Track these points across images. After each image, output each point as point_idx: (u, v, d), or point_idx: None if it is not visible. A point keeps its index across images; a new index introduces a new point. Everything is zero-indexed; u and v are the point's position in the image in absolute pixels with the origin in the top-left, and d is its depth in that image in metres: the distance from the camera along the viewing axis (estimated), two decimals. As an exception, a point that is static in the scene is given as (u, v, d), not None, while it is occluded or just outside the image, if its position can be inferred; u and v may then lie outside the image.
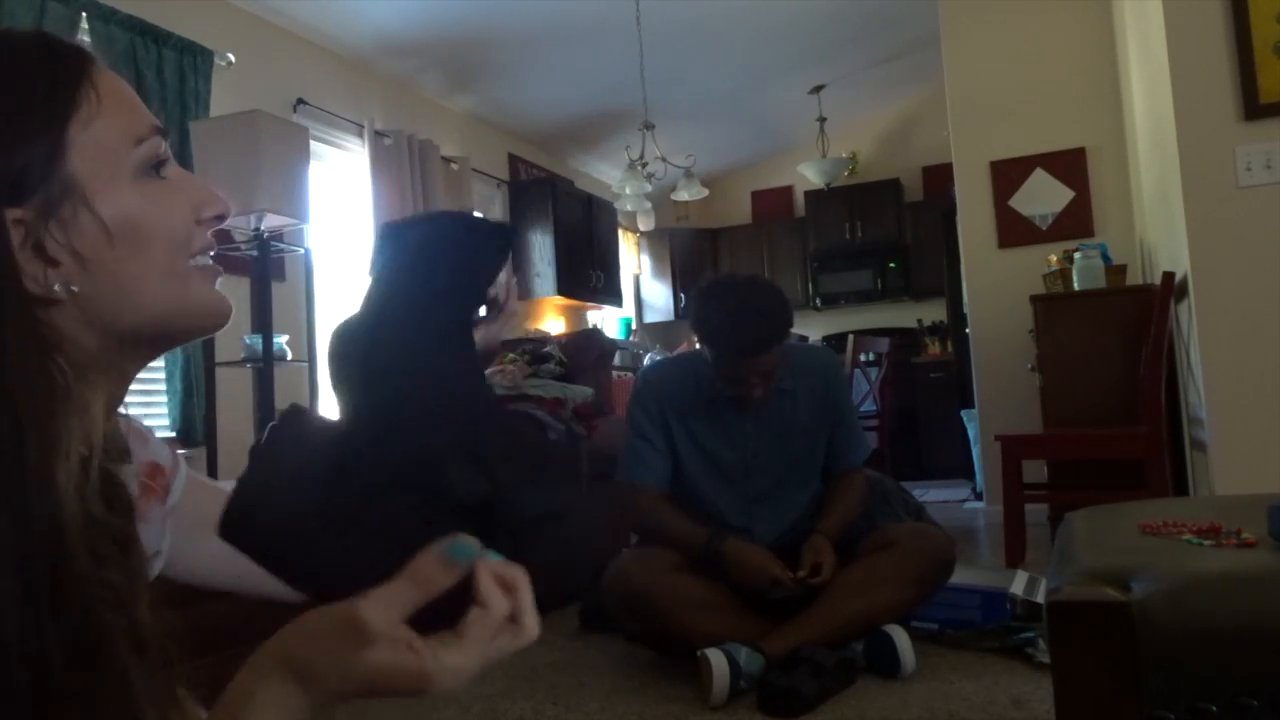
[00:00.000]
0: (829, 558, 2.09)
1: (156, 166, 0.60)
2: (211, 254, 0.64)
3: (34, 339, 0.52)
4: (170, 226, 0.60)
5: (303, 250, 3.99)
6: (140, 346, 0.62)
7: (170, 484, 0.76)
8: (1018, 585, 2.35)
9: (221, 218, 0.64)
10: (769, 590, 2.09)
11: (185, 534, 0.78)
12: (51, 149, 0.55)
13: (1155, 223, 3.63)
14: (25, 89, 0.56)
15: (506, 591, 0.59)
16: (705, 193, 5.56)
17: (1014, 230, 4.37)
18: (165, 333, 0.62)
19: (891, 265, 7.37)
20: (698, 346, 2.30)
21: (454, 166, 5.41)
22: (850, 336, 4.97)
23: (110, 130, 0.58)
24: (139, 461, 0.72)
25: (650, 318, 7.89)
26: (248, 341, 3.50)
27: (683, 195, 5.42)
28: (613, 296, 6.90)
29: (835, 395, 2.31)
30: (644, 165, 5.14)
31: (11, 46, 0.58)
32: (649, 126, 5.04)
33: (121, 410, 0.70)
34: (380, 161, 4.73)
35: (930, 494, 5.36)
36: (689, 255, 7.72)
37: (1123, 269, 3.79)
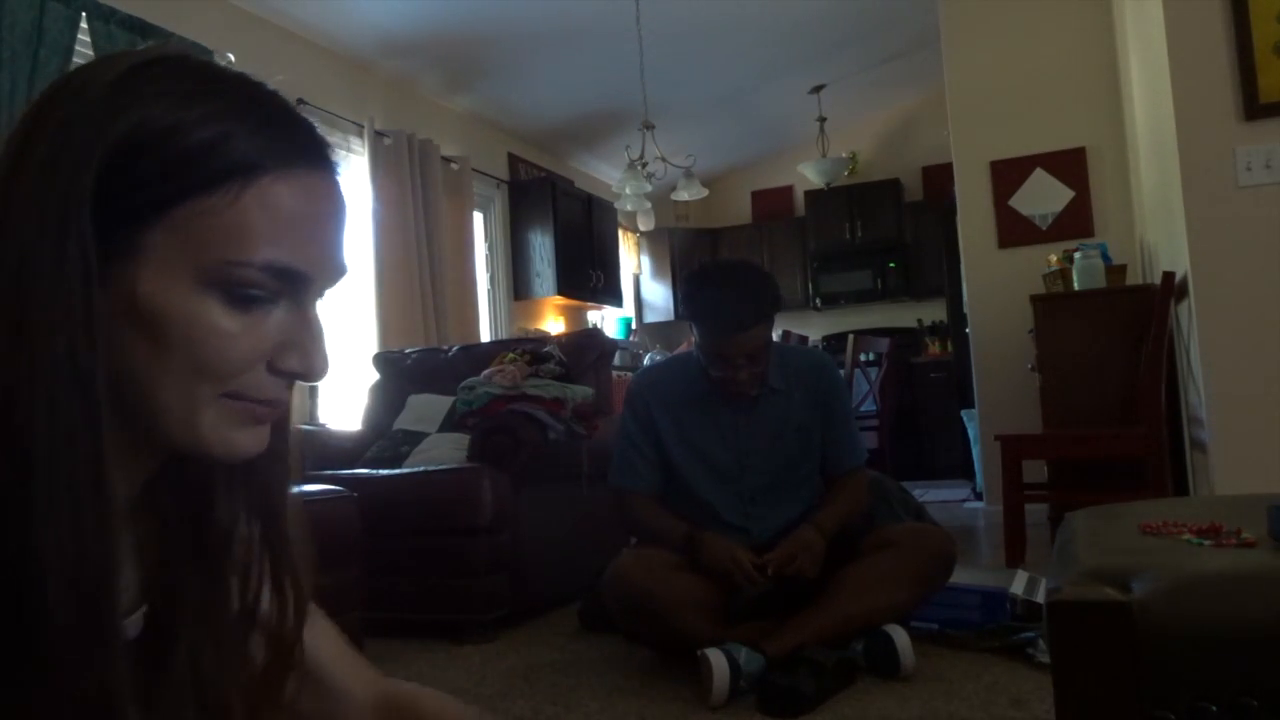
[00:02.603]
0: (804, 543, 2.08)
1: (241, 297, 0.53)
2: (271, 413, 0.58)
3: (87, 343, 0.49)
4: (202, 350, 0.52)
5: (303, 250, 4.00)
6: (151, 444, 0.57)
7: None
8: (1018, 585, 2.35)
9: (300, 376, 0.57)
10: (744, 588, 2.08)
11: None
12: (152, 210, 0.51)
13: (1155, 223, 3.63)
14: (199, 141, 0.52)
15: None
16: (705, 193, 5.56)
17: (1014, 230, 4.37)
18: (170, 445, 0.56)
19: (891, 265, 7.37)
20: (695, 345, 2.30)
21: (454, 166, 5.40)
22: (850, 336, 4.97)
23: (209, 233, 0.52)
24: None
25: (650, 318, 7.89)
26: (248, 341, 3.51)
27: (683, 195, 5.42)
28: (613, 296, 6.90)
29: (829, 394, 2.31)
30: (644, 165, 5.14)
31: (252, 100, 0.56)
32: (649, 126, 5.04)
33: None
34: (380, 161, 4.73)
35: (930, 494, 5.36)
36: (689, 255, 7.72)
37: (1123, 269, 3.79)
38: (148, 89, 0.52)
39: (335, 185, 0.59)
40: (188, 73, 0.54)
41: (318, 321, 0.57)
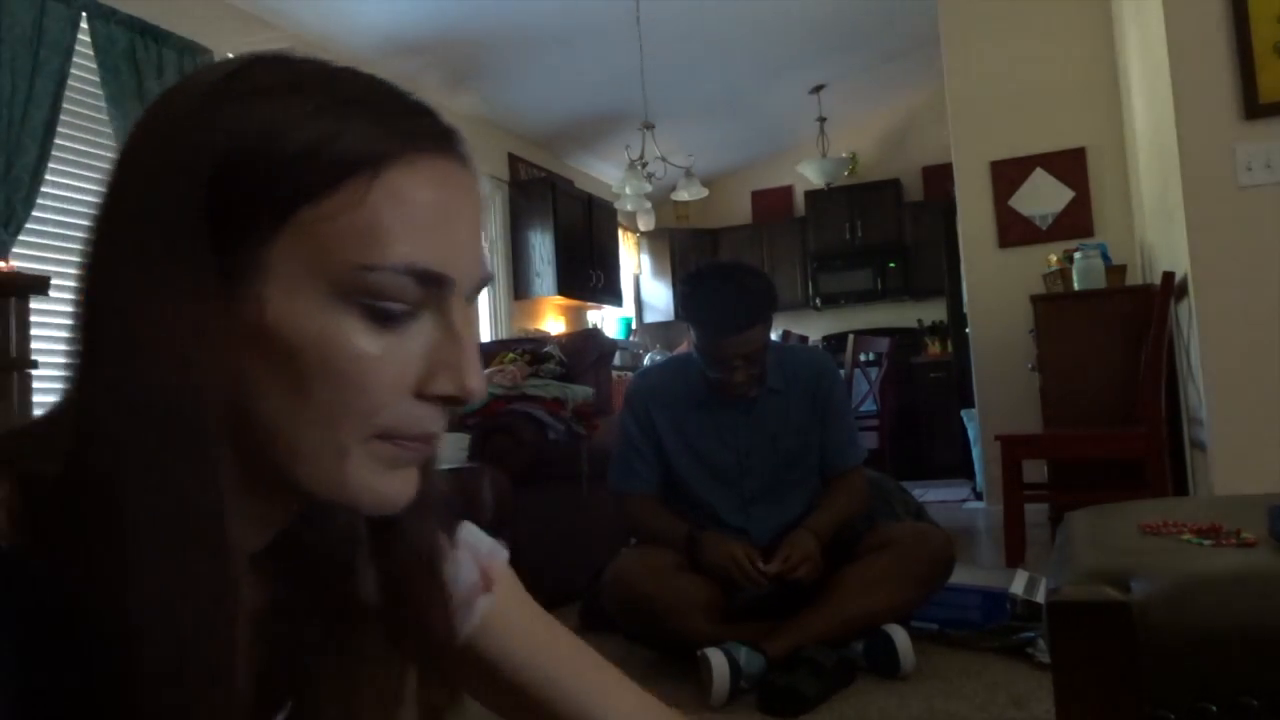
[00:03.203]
0: (805, 552, 2.07)
1: (381, 312, 0.46)
2: (421, 454, 0.49)
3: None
4: (342, 380, 0.45)
5: (303, 250, 4.00)
6: (283, 493, 0.49)
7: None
8: (1018, 585, 2.35)
9: (455, 401, 0.48)
10: (743, 589, 2.08)
11: None
12: (276, 212, 0.45)
13: (1155, 223, 3.63)
14: (312, 137, 0.45)
15: None
16: (705, 193, 5.57)
17: (1014, 230, 4.37)
18: (307, 496, 0.48)
19: (891, 265, 7.37)
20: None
21: (454, 166, 5.40)
22: (850, 336, 4.97)
23: (341, 236, 0.45)
24: None
25: (650, 318, 7.89)
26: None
27: (683, 195, 5.42)
28: (613, 296, 6.90)
29: (827, 394, 2.31)
30: (644, 165, 5.14)
31: (329, 84, 0.48)
32: (649, 126, 5.04)
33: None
34: (380, 161, 4.73)
35: (930, 494, 5.35)
36: (689, 255, 7.72)
37: (1123, 269, 3.79)
38: (248, 91, 0.46)
39: (471, 174, 0.52)
40: (290, 69, 0.48)
41: (470, 335, 0.49)
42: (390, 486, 0.48)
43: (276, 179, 0.44)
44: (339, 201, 0.45)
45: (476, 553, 0.66)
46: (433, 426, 0.49)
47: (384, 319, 0.46)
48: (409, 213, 0.46)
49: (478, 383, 0.48)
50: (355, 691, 0.55)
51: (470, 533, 0.67)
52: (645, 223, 6.64)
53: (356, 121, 0.47)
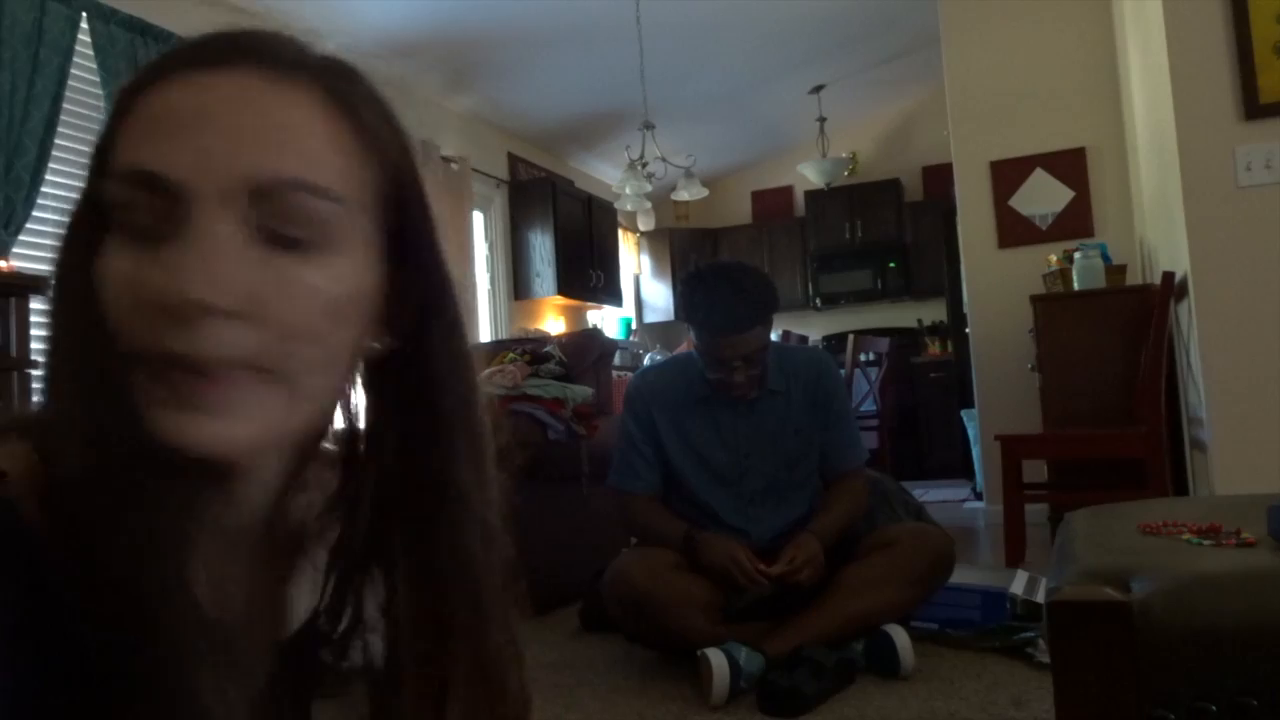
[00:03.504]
0: (808, 555, 2.08)
1: (125, 227, 0.44)
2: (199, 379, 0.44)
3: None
4: (111, 306, 0.43)
5: (303, 250, 4.00)
6: None
7: None
8: (1018, 585, 2.35)
9: (205, 309, 0.42)
10: (740, 592, 2.08)
11: None
12: (101, 155, 0.47)
13: (1155, 223, 3.63)
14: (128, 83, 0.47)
15: None
16: (705, 193, 5.56)
17: (1014, 230, 4.37)
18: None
19: (891, 265, 7.37)
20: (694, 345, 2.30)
21: (454, 166, 5.40)
22: (850, 336, 4.97)
23: (108, 155, 0.46)
24: None
25: (650, 318, 7.89)
26: (248, 341, 3.51)
27: (683, 195, 5.42)
28: (613, 296, 6.90)
29: (828, 395, 2.31)
30: (644, 165, 5.14)
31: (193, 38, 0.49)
32: (649, 126, 5.04)
33: None
34: (380, 161, 4.72)
35: (930, 494, 5.35)
36: (689, 255, 7.73)
37: (1123, 269, 3.79)
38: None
39: (250, 84, 0.46)
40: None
41: (221, 243, 0.43)
42: (178, 427, 0.43)
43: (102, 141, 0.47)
44: (114, 129, 0.46)
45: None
46: (189, 346, 0.43)
47: (134, 238, 0.44)
48: (136, 125, 0.45)
49: (205, 289, 0.42)
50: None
51: None
52: (645, 223, 6.64)
53: (141, 73, 0.47)
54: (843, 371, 4.16)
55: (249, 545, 0.52)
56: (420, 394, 0.53)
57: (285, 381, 0.45)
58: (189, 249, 0.43)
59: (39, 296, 2.41)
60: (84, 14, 3.29)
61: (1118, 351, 3.45)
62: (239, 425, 0.44)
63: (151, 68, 0.47)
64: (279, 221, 0.45)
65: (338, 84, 0.51)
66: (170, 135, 0.44)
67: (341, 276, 0.47)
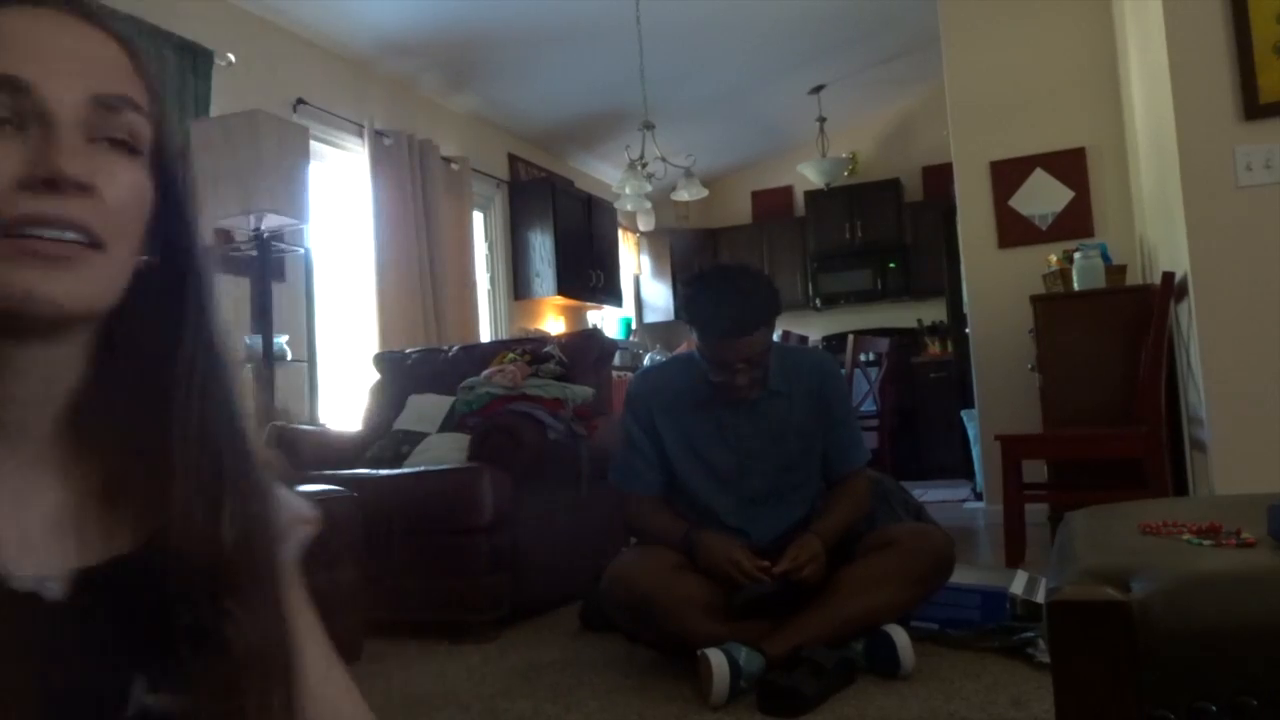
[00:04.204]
0: (812, 554, 2.07)
1: None
2: (49, 233, 0.53)
3: None
4: None
5: (303, 250, 3.99)
6: None
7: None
8: (1018, 585, 2.35)
9: (51, 182, 0.53)
10: (743, 588, 2.08)
11: None
12: None
13: (1155, 223, 3.63)
14: None
15: None
16: (705, 193, 5.57)
17: (1014, 230, 4.37)
18: None
19: (891, 265, 7.37)
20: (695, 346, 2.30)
21: (454, 166, 5.41)
22: (850, 336, 4.97)
23: None
24: None
25: (650, 318, 7.89)
26: (248, 342, 3.51)
27: (683, 195, 5.42)
28: (613, 296, 6.90)
29: (830, 396, 2.30)
30: (644, 165, 5.14)
31: None
32: (649, 126, 5.04)
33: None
34: (380, 161, 4.73)
35: (930, 494, 5.35)
36: (689, 255, 7.73)
37: (1123, 269, 3.79)
38: None
39: (84, 23, 0.58)
40: None
41: (68, 132, 0.54)
42: (24, 280, 0.52)
43: None
44: None
45: (299, 503, 0.71)
46: (56, 211, 0.53)
47: None
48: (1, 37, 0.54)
49: (67, 163, 0.53)
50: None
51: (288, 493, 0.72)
52: (645, 223, 6.64)
53: None
54: (842, 371, 4.16)
55: (41, 446, 0.57)
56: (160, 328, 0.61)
57: (108, 255, 0.55)
58: (48, 138, 0.53)
59: None
60: (84, 14, 3.29)
61: (1118, 351, 3.45)
62: (83, 284, 0.54)
63: None
64: (110, 128, 0.57)
65: (132, 44, 0.61)
66: (25, 51, 0.54)
67: (140, 181, 0.59)
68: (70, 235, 0.53)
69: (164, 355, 0.60)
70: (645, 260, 7.95)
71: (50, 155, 0.52)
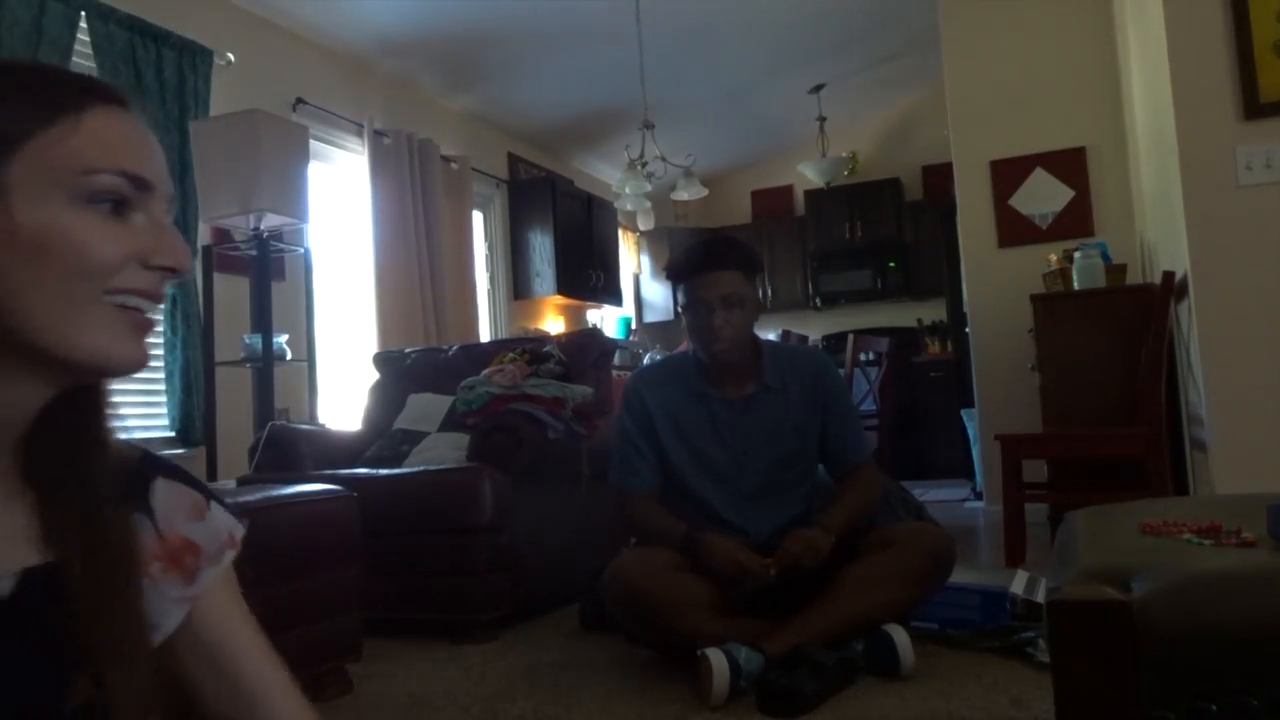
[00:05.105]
0: (803, 546, 2.06)
1: (113, 204, 0.63)
2: (149, 311, 0.65)
3: None
4: (89, 252, 0.61)
5: (302, 250, 3.99)
6: (33, 367, 0.62)
7: (199, 571, 0.76)
8: (1018, 585, 2.35)
9: (173, 271, 0.65)
10: (743, 582, 2.08)
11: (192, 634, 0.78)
12: (4, 149, 0.60)
13: (1155, 222, 3.63)
14: (16, 95, 0.62)
15: None
16: (705, 192, 5.56)
17: (1014, 230, 4.37)
18: (50, 357, 0.62)
19: (891, 265, 7.37)
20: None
21: (454, 166, 5.40)
22: (850, 336, 4.96)
23: (66, 155, 0.61)
24: (169, 530, 0.75)
25: (650, 317, 7.89)
26: (247, 341, 3.50)
27: (683, 195, 5.42)
28: (612, 296, 6.90)
29: (826, 390, 2.30)
30: (644, 165, 5.14)
31: (28, 65, 0.67)
32: (649, 126, 5.04)
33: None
34: (380, 161, 4.73)
35: (930, 494, 5.35)
36: (689, 255, 7.70)
37: (1123, 268, 3.79)
38: None
39: (146, 125, 0.69)
40: None
41: (172, 229, 0.67)
42: (122, 347, 0.63)
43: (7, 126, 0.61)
44: (54, 135, 0.62)
45: (229, 522, 0.80)
46: (157, 287, 0.65)
47: (111, 211, 0.63)
48: (118, 137, 0.64)
49: (185, 257, 0.66)
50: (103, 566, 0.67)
51: (220, 509, 0.80)
52: (645, 222, 6.64)
53: (55, 78, 0.65)
54: (842, 371, 4.16)
55: (6, 462, 0.66)
56: None
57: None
58: (170, 235, 0.66)
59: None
60: (83, 13, 3.29)
61: (1118, 351, 3.45)
62: (143, 351, 0.66)
63: (74, 92, 0.64)
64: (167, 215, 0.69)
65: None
66: (143, 154, 0.66)
67: None
68: (156, 312, 0.66)
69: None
70: (645, 260, 7.95)
71: (173, 247, 0.65)
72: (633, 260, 7.91)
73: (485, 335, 5.67)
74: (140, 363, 0.65)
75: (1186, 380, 3.23)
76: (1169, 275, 3.11)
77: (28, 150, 0.61)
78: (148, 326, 0.66)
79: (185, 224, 3.50)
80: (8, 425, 0.64)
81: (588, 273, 6.45)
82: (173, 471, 0.77)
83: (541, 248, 6.09)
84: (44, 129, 0.61)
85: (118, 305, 0.63)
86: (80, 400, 0.68)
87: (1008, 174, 4.39)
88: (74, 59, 3.25)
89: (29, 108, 0.62)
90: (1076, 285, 3.65)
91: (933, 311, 7.18)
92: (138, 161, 0.65)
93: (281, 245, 3.67)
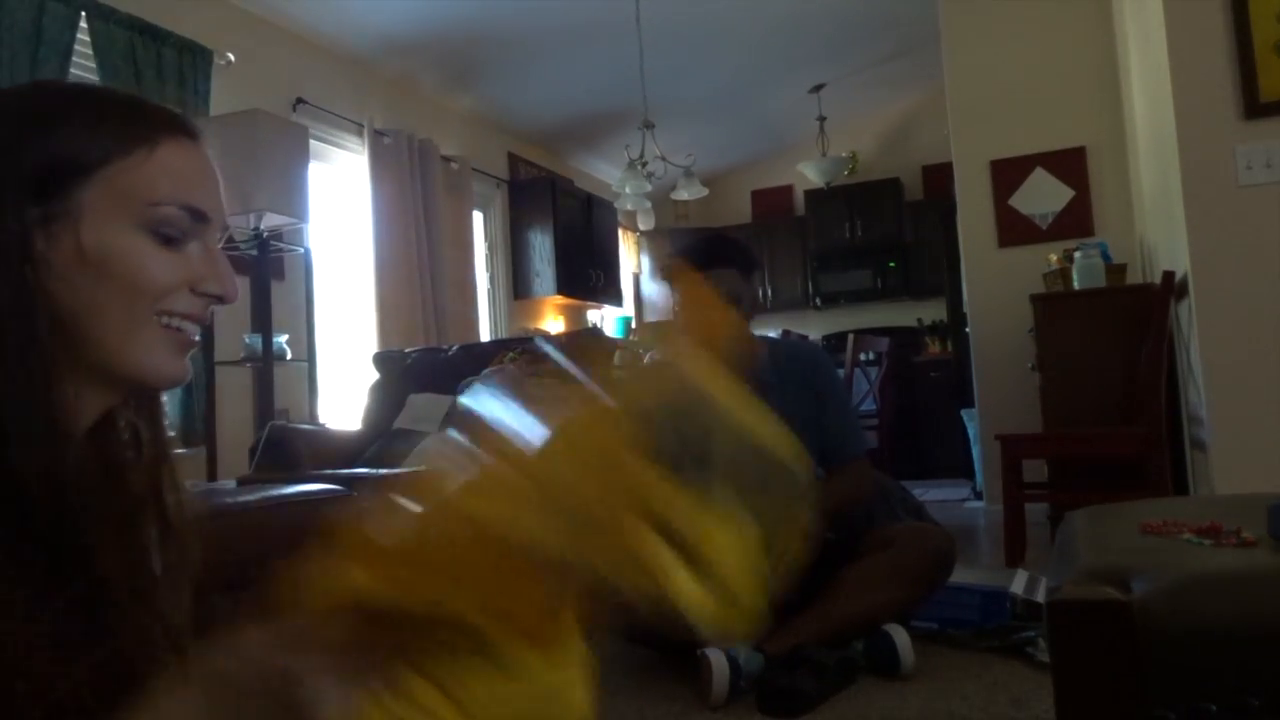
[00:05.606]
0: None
1: (169, 235, 0.67)
2: (194, 334, 0.70)
3: (23, 291, 0.62)
4: (145, 276, 0.66)
5: (302, 250, 3.99)
6: (93, 376, 0.67)
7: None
8: (1018, 585, 2.35)
9: (219, 299, 0.71)
10: None
11: None
12: (82, 173, 0.64)
13: (1155, 222, 3.63)
14: (98, 123, 0.66)
15: None
16: (705, 192, 5.56)
17: (1014, 229, 4.37)
18: (108, 369, 0.66)
19: (891, 264, 7.37)
20: None
21: (454, 166, 5.40)
22: (850, 336, 4.96)
23: (137, 184, 0.66)
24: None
25: (650, 317, 7.89)
26: (247, 341, 3.51)
27: (683, 194, 5.42)
28: (612, 296, 6.90)
29: (822, 383, 2.30)
30: (644, 165, 5.14)
31: (113, 92, 0.71)
32: (649, 126, 5.04)
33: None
34: (380, 161, 4.73)
35: (930, 494, 5.35)
36: (689, 255, 7.71)
37: (1123, 268, 3.79)
38: (45, 110, 0.66)
39: (208, 154, 0.73)
40: (69, 90, 0.70)
41: (224, 259, 0.71)
42: (168, 364, 0.68)
43: (79, 153, 0.65)
44: (128, 164, 0.66)
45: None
46: (202, 313, 0.70)
47: (167, 240, 0.67)
48: (184, 171, 0.69)
49: (233, 288, 0.71)
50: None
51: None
52: (645, 222, 6.63)
53: (130, 110, 0.68)
54: (842, 371, 4.16)
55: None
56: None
57: None
58: (221, 265, 0.70)
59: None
60: (83, 13, 3.29)
61: (1118, 351, 3.44)
62: (186, 369, 0.71)
63: (152, 124, 0.68)
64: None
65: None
66: (203, 187, 0.70)
67: None
68: (199, 333, 0.71)
69: None
70: (645, 260, 7.95)
71: (221, 277, 0.70)
72: (633, 260, 7.91)
73: (485, 335, 5.67)
74: (181, 379, 0.70)
75: (1186, 380, 3.23)
76: (1169, 275, 3.11)
77: (103, 176, 0.65)
78: (191, 346, 0.70)
79: (185, 224, 3.50)
80: (74, 427, 0.68)
81: (588, 272, 6.45)
82: None
83: (541, 247, 6.09)
84: (120, 157, 0.66)
85: (165, 325, 0.68)
86: (141, 410, 0.73)
87: (1008, 174, 4.38)
88: (74, 59, 3.25)
89: (110, 137, 0.66)
90: (1076, 285, 3.65)
91: (933, 311, 7.18)
92: (201, 196, 0.69)
93: (281, 245, 3.67)
